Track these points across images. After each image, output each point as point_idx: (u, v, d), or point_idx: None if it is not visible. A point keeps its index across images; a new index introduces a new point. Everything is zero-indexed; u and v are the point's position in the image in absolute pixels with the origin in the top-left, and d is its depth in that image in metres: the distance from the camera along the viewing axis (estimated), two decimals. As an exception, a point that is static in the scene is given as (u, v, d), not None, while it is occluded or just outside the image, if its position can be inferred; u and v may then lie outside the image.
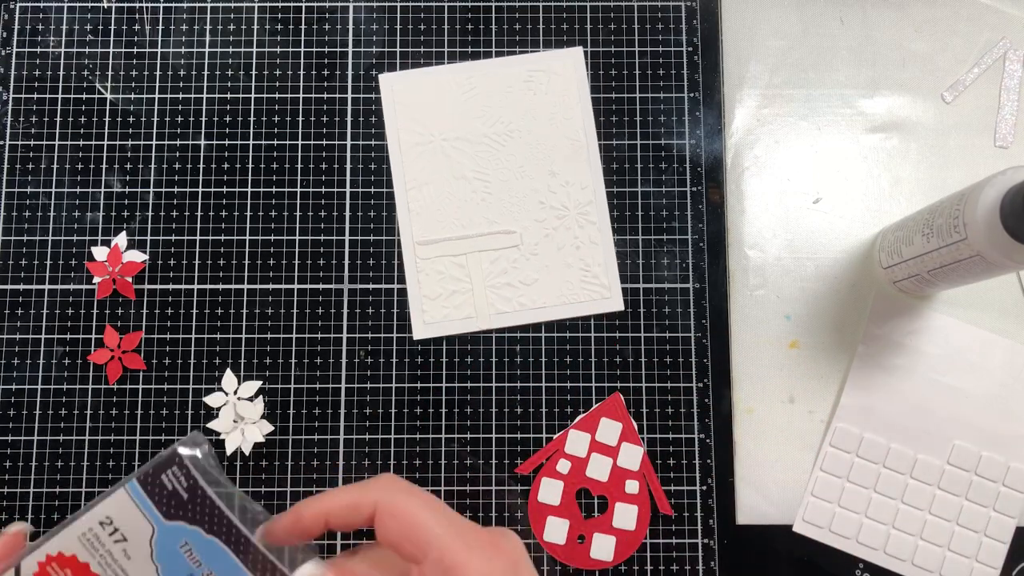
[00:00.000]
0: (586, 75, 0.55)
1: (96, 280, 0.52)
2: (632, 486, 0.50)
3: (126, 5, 0.55)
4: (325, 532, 0.31)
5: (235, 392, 0.51)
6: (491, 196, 0.53)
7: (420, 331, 0.52)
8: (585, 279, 0.53)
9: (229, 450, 0.51)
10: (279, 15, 0.55)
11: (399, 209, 0.53)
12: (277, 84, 0.54)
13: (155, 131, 0.54)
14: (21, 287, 0.52)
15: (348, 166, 0.54)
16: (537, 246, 0.53)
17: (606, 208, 0.53)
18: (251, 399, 0.51)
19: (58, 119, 0.54)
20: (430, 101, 0.54)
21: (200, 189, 0.53)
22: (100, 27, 0.55)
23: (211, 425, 0.51)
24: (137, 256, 0.52)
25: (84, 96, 0.54)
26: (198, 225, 0.53)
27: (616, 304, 0.52)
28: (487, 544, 0.29)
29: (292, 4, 0.55)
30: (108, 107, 0.54)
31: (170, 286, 0.52)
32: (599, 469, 0.51)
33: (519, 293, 0.52)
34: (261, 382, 0.52)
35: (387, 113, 0.54)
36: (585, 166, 0.54)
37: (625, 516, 0.50)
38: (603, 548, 0.50)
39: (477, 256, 0.53)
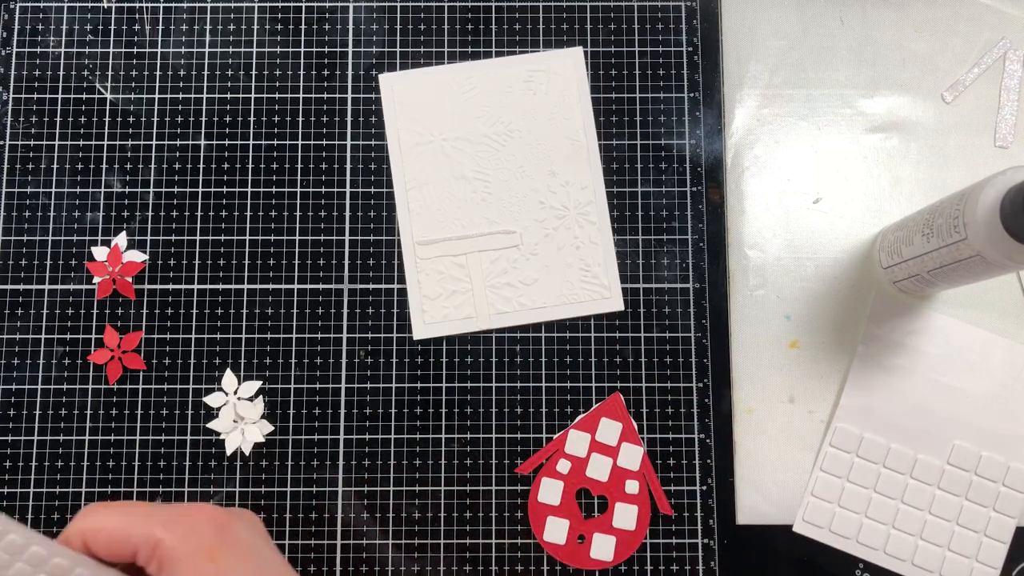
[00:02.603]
0: (586, 75, 0.55)
1: (96, 280, 0.52)
2: (632, 486, 0.50)
3: (126, 5, 0.55)
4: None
5: (235, 392, 0.51)
6: (491, 196, 0.53)
7: (420, 331, 0.52)
8: (585, 279, 0.53)
9: (229, 450, 0.51)
10: (279, 15, 0.55)
11: (399, 209, 0.53)
12: (277, 84, 0.54)
13: (155, 131, 0.54)
14: (21, 287, 0.52)
15: (348, 166, 0.54)
16: (537, 246, 0.53)
17: (606, 208, 0.53)
18: (251, 399, 0.51)
19: (58, 119, 0.54)
20: (430, 101, 0.54)
21: (200, 189, 0.53)
22: (100, 27, 0.55)
23: (211, 425, 0.51)
24: (137, 256, 0.52)
25: (84, 96, 0.54)
26: (198, 225, 0.53)
27: (616, 304, 0.52)
28: (179, 515, 0.31)
29: (292, 4, 0.55)
30: (108, 107, 0.54)
31: (170, 286, 0.52)
32: (599, 469, 0.51)
33: (519, 293, 0.52)
34: (261, 382, 0.52)
35: (387, 113, 0.54)
36: (585, 166, 0.54)
37: (625, 516, 0.50)
38: (603, 548, 0.50)
39: (477, 256, 0.53)
